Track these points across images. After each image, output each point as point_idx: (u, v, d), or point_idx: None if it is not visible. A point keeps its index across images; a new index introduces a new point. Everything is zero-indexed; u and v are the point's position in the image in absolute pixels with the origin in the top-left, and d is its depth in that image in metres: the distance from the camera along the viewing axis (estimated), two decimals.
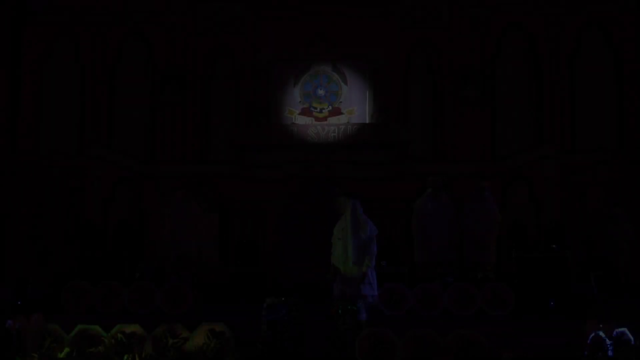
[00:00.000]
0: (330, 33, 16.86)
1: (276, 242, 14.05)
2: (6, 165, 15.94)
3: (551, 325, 8.36)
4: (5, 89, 17.10)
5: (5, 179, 15.74)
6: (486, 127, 16.43)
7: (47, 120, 17.00)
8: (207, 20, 17.01)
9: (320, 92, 16.75)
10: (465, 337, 6.23)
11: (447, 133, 16.44)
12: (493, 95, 16.51)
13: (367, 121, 16.21)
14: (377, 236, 7.73)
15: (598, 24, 16.40)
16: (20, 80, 17.20)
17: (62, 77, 17.13)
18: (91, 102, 17.05)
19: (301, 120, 16.44)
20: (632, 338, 6.40)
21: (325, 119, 16.43)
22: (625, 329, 6.49)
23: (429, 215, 10.31)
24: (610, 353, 6.25)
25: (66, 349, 6.29)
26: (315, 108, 16.65)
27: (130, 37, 17.18)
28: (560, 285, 9.14)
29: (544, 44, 16.48)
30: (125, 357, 5.90)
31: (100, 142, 15.92)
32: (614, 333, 6.44)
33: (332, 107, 16.65)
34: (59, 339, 6.42)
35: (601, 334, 6.43)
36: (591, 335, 6.47)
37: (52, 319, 7.06)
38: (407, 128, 15.46)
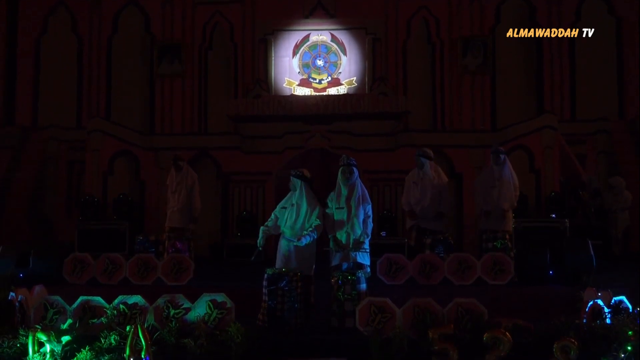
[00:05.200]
0: (329, 3, 16.73)
1: None
2: (5, 139, 15.90)
3: (550, 293, 8.42)
4: (2, 62, 17.01)
5: (5, 153, 15.72)
6: (486, 97, 16.41)
7: (45, 93, 16.95)
8: None
9: (319, 62, 16.67)
10: (465, 306, 6.27)
11: (446, 103, 16.41)
12: (493, 65, 16.45)
13: (367, 92, 16.16)
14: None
15: None
16: (17, 53, 17.11)
17: (59, 49, 17.04)
18: (89, 74, 16.99)
19: (300, 91, 16.39)
20: (630, 306, 6.44)
21: (324, 89, 16.38)
22: (623, 297, 6.54)
23: (414, 182, 10.31)
24: (608, 321, 6.30)
25: (69, 320, 6.34)
26: (314, 79, 16.59)
27: (126, 8, 17.06)
28: (559, 254, 9.17)
29: (544, 13, 16.37)
30: (128, 327, 5.94)
31: (99, 115, 15.87)
32: (612, 301, 6.49)
33: (331, 77, 16.59)
34: (62, 310, 6.46)
35: (599, 302, 6.48)
36: (589, 304, 6.51)
37: (54, 291, 7.10)
38: (407, 98, 15.39)
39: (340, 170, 7.47)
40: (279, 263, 7.27)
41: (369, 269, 7.51)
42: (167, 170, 12.31)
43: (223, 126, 15.99)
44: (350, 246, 7.31)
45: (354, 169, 7.47)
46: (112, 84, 16.97)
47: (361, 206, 7.38)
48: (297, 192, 7.44)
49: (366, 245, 7.48)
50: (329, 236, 7.45)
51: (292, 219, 7.37)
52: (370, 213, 7.52)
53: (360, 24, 16.66)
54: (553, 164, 13.58)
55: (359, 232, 7.32)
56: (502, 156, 10.33)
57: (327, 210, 7.50)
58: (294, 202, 7.41)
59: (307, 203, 7.34)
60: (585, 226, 12.99)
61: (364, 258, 7.39)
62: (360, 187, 7.48)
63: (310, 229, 7.26)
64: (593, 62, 16.20)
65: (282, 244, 7.35)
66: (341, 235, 7.33)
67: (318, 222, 7.30)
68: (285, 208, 7.49)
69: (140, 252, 10.18)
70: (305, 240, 7.22)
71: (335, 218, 7.39)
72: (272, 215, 7.58)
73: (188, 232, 11.10)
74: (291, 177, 7.52)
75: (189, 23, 16.88)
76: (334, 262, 7.38)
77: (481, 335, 5.88)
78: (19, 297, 6.56)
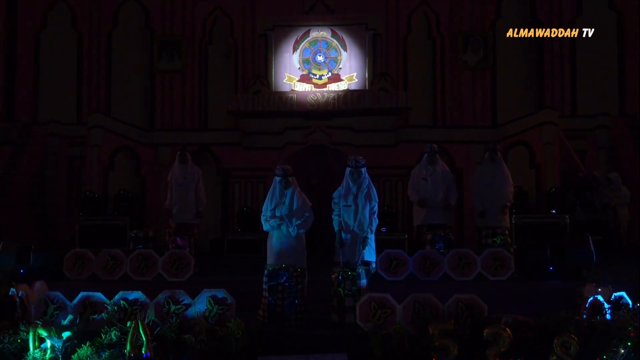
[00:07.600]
0: None
1: None
2: (5, 135, 15.89)
3: (550, 289, 8.43)
4: (2, 58, 16.98)
5: (5, 149, 15.71)
6: (486, 93, 16.39)
7: (45, 88, 16.92)
8: None
9: (320, 58, 16.65)
10: (465, 301, 6.28)
11: (447, 99, 16.40)
12: (493, 60, 16.42)
13: (367, 87, 16.14)
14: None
15: None
16: (17, 49, 17.08)
17: (59, 44, 17.01)
18: (88, 69, 16.96)
19: (300, 87, 16.36)
20: (630, 302, 6.45)
21: (324, 85, 16.35)
22: (623, 293, 6.55)
23: (424, 179, 10.35)
24: (608, 317, 6.31)
25: (69, 316, 6.35)
26: (315, 75, 16.56)
27: (126, 3, 17.02)
28: (559, 250, 9.18)
29: (544, 8, 16.34)
30: (128, 323, 5.96)
31: (99, 110, 15.86)
32: (612, 297, 6.49)
33: (332, 73, 16.56)
34: (62, 306, 6.48)
35: (599, 297, 6.48)
36: (589, 299, 6.52)
37: (55, 287, 7.11)
38: (407, 94, 15.39)
39: (348, 171, 7.51)
40: (273, 259, 7.22)
41: (374, 265, 7.57)
42: (168, 166, 12.35)
43: (223, 122, 15.98)
44: (360, 242, 7.35)
45: (362, 170, 7.53)
46: (112, 79, 16.95)
47: (367, 203, 7.45)
48: (292, 188, 7.44)
49: (372, 242, 7.53)
50: (336, 231, 7.50)
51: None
52: (375, 209, 7.58)
53: (361, 20, 16.63)
54: (553, 160, 13.58)
55: (365, 228, 7.39)
56: (499, 153, 10.44)
57: (334, 207, 7.57)
58: (286, 200, 7.40)
59: (301, 198, 7.36)
60: (585, 221, 13.00)
61: (370, 255, 7.44)
62: (367, 185, 7.54)
63: (303, 218, 7.25)
64: (594, 57, 16.17)
65: (274, 240, 7.30)
66: (347, 233, 7.38)
67: (309, 214, 7.31)
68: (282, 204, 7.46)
69: (135, 248, 10.21)
70: (300, 230, 7.18)
71: (343, 216, 7.45)
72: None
73: (195, 227, 11.08)
74: (289, 178, 7.51)
75: (189, 18, 16.84)
76: (341, 260, 7.41)
77: (481, 330, 5.90)
78: (20, 292, 6.57)
